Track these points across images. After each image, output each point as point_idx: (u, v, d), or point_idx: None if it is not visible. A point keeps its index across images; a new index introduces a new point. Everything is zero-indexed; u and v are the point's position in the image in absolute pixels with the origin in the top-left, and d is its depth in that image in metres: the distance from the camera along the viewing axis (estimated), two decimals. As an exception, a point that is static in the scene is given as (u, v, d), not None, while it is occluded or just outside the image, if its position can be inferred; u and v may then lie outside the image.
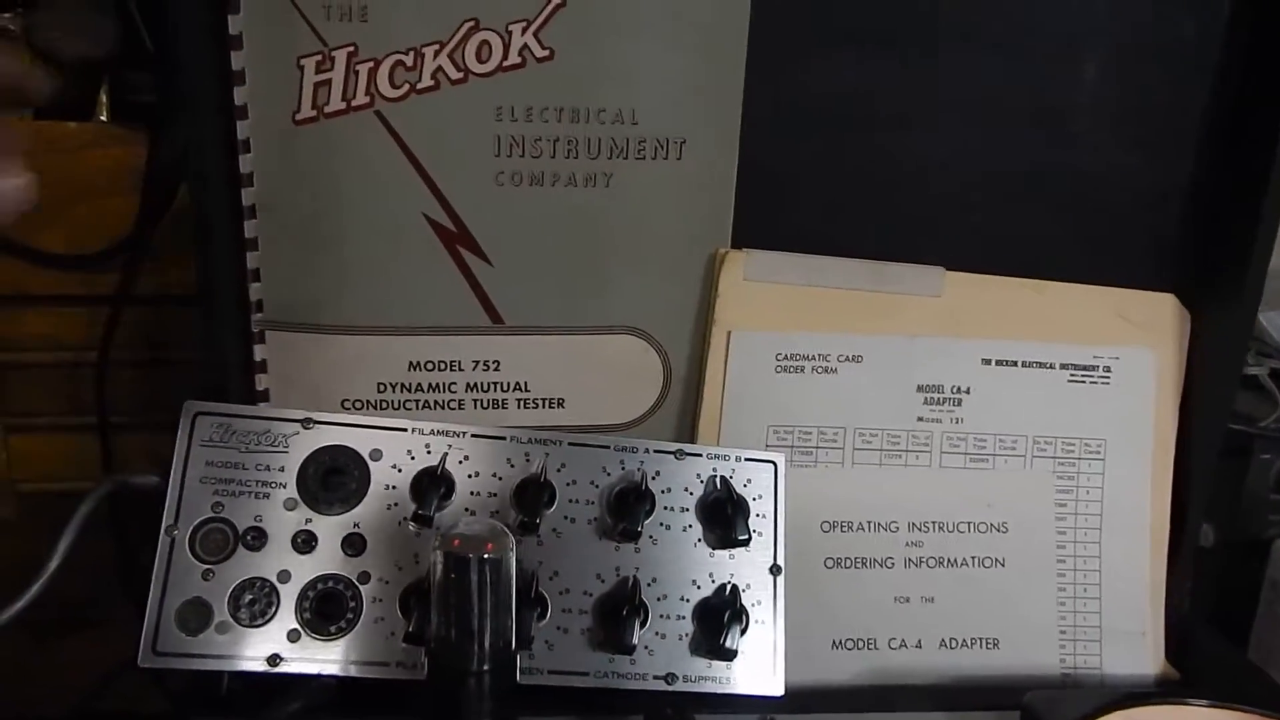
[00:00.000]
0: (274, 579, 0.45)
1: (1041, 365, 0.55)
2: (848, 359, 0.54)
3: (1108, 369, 0.55)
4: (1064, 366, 0.55)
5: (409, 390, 0.53)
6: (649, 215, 0.51)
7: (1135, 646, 0.55)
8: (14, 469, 0.66)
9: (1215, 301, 0.55)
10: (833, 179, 0.52)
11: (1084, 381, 0.55)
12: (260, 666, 0.44)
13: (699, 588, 0.47)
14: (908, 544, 0.54)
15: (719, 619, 0.46)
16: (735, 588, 0.47)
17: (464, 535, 0.40)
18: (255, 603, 0.45)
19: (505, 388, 0.53)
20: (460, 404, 0.53)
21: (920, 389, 0.54)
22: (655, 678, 0.46)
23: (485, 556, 0.39)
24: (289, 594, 0.45)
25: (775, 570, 0.48)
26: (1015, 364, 0.55)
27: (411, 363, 0.52)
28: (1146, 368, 0.55)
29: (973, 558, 0.54)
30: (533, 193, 0.50)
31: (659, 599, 0.47)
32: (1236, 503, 0.65)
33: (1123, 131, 0.53)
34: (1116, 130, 0.53)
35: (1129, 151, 0.54)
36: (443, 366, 0.53)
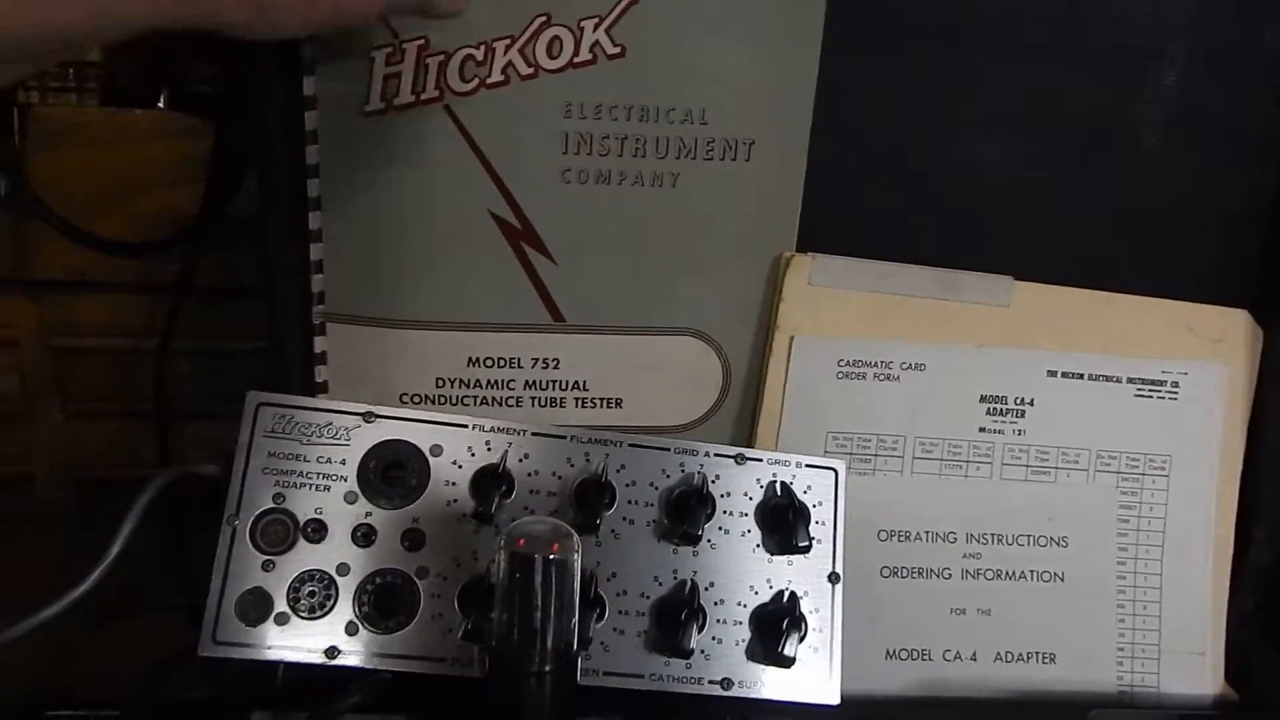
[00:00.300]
0: (333, 572, 0.45)
1: (1108, 379, 0.54)
2: (910, 367, 0.53)
3: (1176, 384, 0.54)
4: (1131, 380, 0.54)
5: (468, 386, 0.53)
6: (714, 216, 0.51)
7: (1194, 666, 0.54)
8: (72, 455, 0.66)
9: (1290, 318, 0.54)
10: (901, 185, 0.52)
11: (1151, 396, 0.54)
12: (318, 659, 0.44)
13: (757, 594, 0.47)
14: (965, 555, 0.53)
15: (777, 626, 0.45)
16: (794, 595, 0.47)
17: (529, 535, 0.39)
18: (314, 595, 0.45)
19: (564, 386, 0.53)
20: (518, 401, 0.53)
21: (983, 399, 0.53)
22: (711, 682, 0.46)
23: (551, 557, 0.39)
24: (348, 587, 0.45)
25: (834, 578, 0.48)
26: (1081, 377, 0.54)
27: (471, 358, 0.52)
28: (1216, 384, 0.54)
29: (1031, 571, 0.53)
30: (599, 191, 0.50)
31: (716, 603, 0.47)
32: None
33: (1198, 145, 0.53)
34: (1191, 144, 0.53)
35: (1204, 166, 0.53)
36: (502, 363, 0.53)
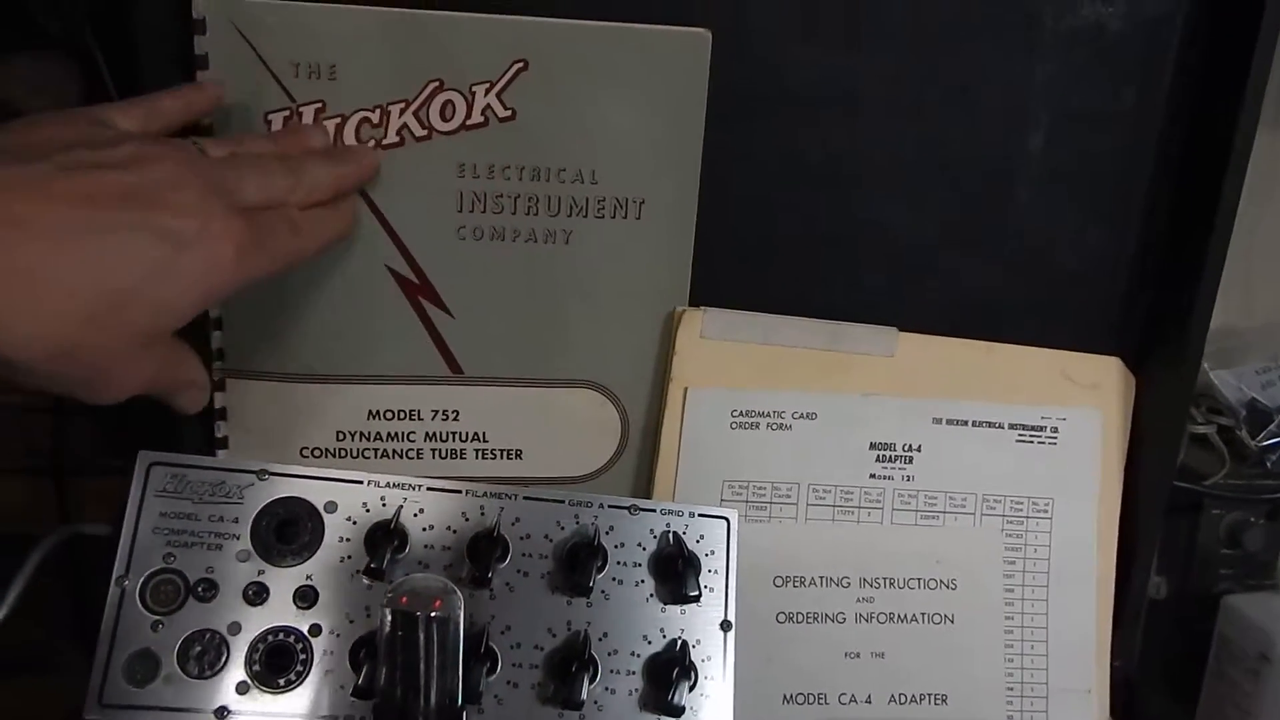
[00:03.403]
0: (224, 630, 0.45)
1: (991, 425, 0.56)
2: (802, 416, 0.55)
3: (1055, 429, 0.56)
4: (1013, 426, 0.56)
5: (368, 439, 0.53)
6: (608, 272, 0.52)
7: (1081, 704, 0.56)
8: (-35, 513, 0.65)
9: (1159, 363, 0.57)
10: (789, 240, 0.54)
11: (1032, 441, 0.56)
12: (207, 720, 0.44)
13: (650, 643, 0.48)
14: (859, 599, 0.54)
15: (668, 675, 0.46)
16: (685, 643, 0.47)
17: (412, 592, 0.40)
18: (205, 654, 0.45)
19: (464, 438, 0.54)
20: (419, 453, 0.54)
21: (873, 446, 0.55)
22: (604, 734, 0.46)
23: (433, 614, 0.39)
24: (239, 646, 0.45)
25: (725, 626, 0.48)
26: (966, 423, 0.56)
27: (371, 411, 0.53)
28: (1092, 428, 0.57)
29: (922, 614, 0.55)
30: (494, 247, 0.51)
31: (610, 654, 0.47)
32: (1189, 558, 0.66)
33: (1070, 198, 0.55)
34: (1064, 197, 0.55)
35: (1075, 217, 0.56)
36: (402, 415, 0.53)
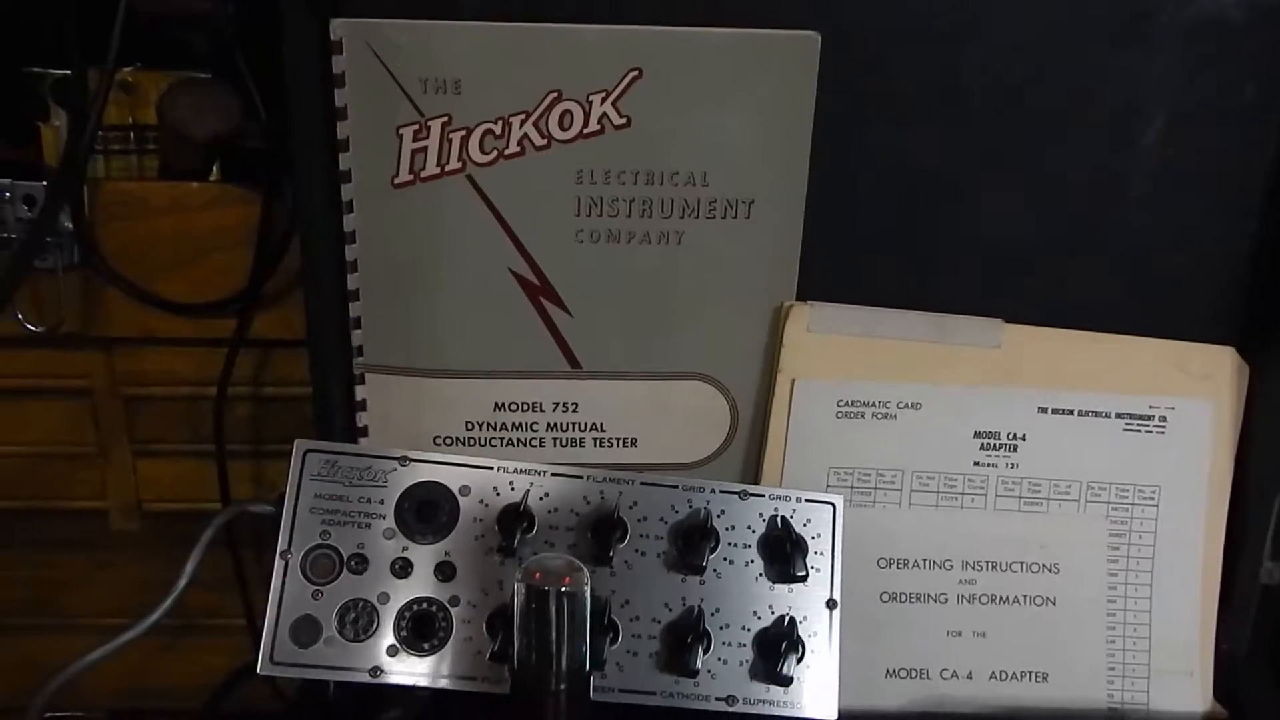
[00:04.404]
0: (375, 600, 0.50)
1: (1098, 414, 0.57)
2: (907, 406, 0.56)
3: (1164, 419, 0.57)
4: (1120, 415, 0.57)
5: (494, 429, 0.57)
6: (718, 270, 0.55)
7: (1183, 686, 0.56)
8: (141, 490, 0.72)
9: (1275, 353, 0.57)
10: (896, 235, 0.55)
11: (1140, 431, 0.57)
12: (363, 678, 0.49)
13: (759, 618, 0.51)
14: (961, 581, 0.56)
15: (777, 648, 0.49)
16: (793, 619, 0.50)
17: (544, 569, 0.44)
18: (359, 620, 0.50)
19: (583, 428, 0.57)
20: (541, 442, 0.57)
21: (977, 435, 0.57)
22: (717, 699, 0.50)
23: (562, 589, 0.43)
24: (388, 614, 0.50)
25: (831, 604, 0.51)
26: (1071, 413, 0.57)
27: (497, 403, 0.57)
28: (1203, 418, 0.57)
29: (1024, 596, 0.56)
30: (610, 249, 0.54)
31: (722, 628, 0.51)
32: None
33: (1184, 191, 0.55)
34: (1178, 190, 0.55)
35: (1190, 210, 0.55)
36: (525, 408, 0.57)
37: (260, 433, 0.70)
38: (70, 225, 0.63)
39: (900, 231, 0.55)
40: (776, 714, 0.49)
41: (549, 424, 0.57)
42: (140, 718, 0.76)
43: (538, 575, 0.43)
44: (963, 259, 0.56)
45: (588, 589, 0.44)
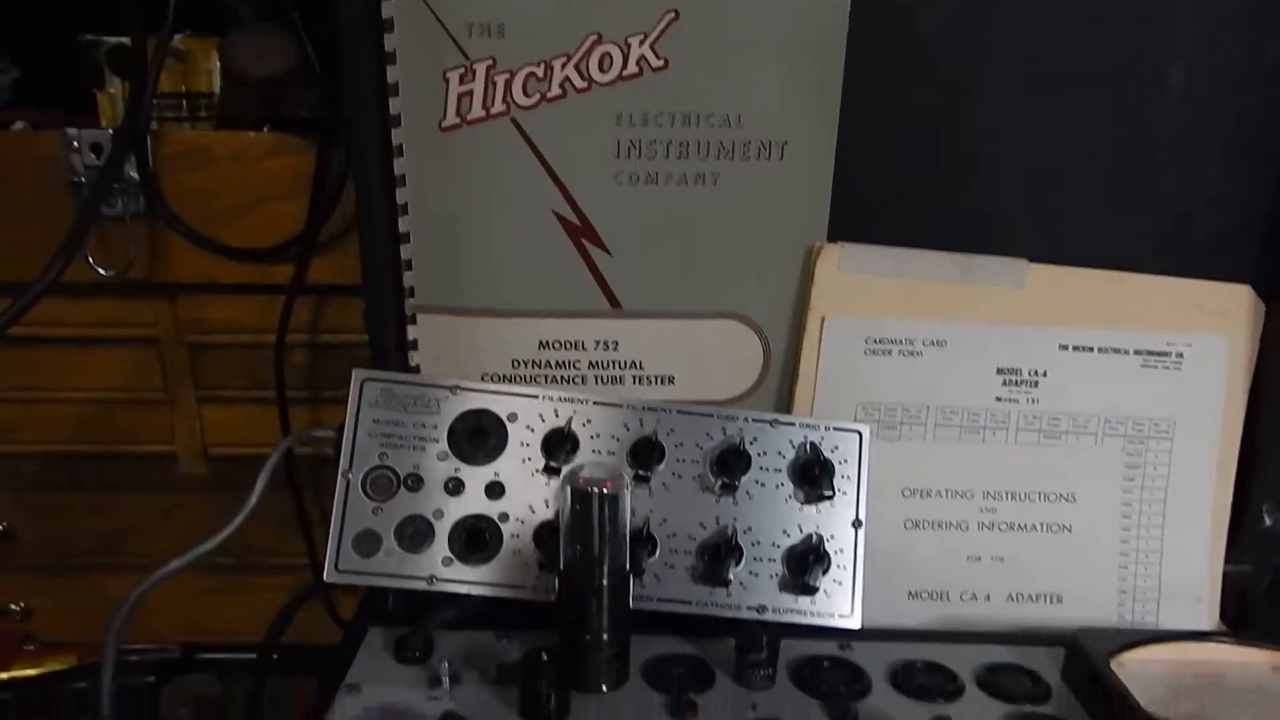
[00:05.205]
0: (430, 516, 0.54)
1: (1116, 350, 0.59)
2: (932, 343, 0.59)
3: (1180, 355, 0.59)
4: (1138, 352, 0.59)
5: (539, 366, 0.60)
6: (752, 211, 0.57)
7: (1191, 608, 0.59)
8: (206, 435, 0.76)
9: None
10: (923, 178, 0.57)
11: (1156, 366, 0.59)
12: (420, 585, 0.53)
13: (789, 536, 0.54)
14: (982, 509, 0.59)
15: (805, 562, 0.52)
16: (820, 536, 0.53)
17: (588, 475, 0.47)
18: (415, 534, 0.54)
19: (622, 365, 0.60)
20: (583, 379, 0.60)
21: (1000, 371, 0.59)
22: (749, 608, 0.53)
23: (605, 491, 0.46)
24: (442, 529, 0.54)
25: (856, 524, 0.54)
26: (1091, 349, 0.59)
27: (541, 341, 0.60)
28: (1220, 353, 0.59)
29: (1042, 523, 0.59)
30: (648, 190, 0.57)
31: (754, 544, 0.54)
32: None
33: (1203, 137, 0.57)
34: (1198, 137, 0.57)
35: (1208, 156, 0.57)
36: (568, 345, 0.60)
37: (317, 378, 0.74)
38: (135, 175, 0.67)
39: (926, 174, 0.57)
40: (804, 622, 0.52)
41: (591, 362, 0.60)
42: (208, 649, 0.80)
43: (581, 480, 0.47)
44: (988, 200, 0.58)
45: (628, 492, 0.47)
